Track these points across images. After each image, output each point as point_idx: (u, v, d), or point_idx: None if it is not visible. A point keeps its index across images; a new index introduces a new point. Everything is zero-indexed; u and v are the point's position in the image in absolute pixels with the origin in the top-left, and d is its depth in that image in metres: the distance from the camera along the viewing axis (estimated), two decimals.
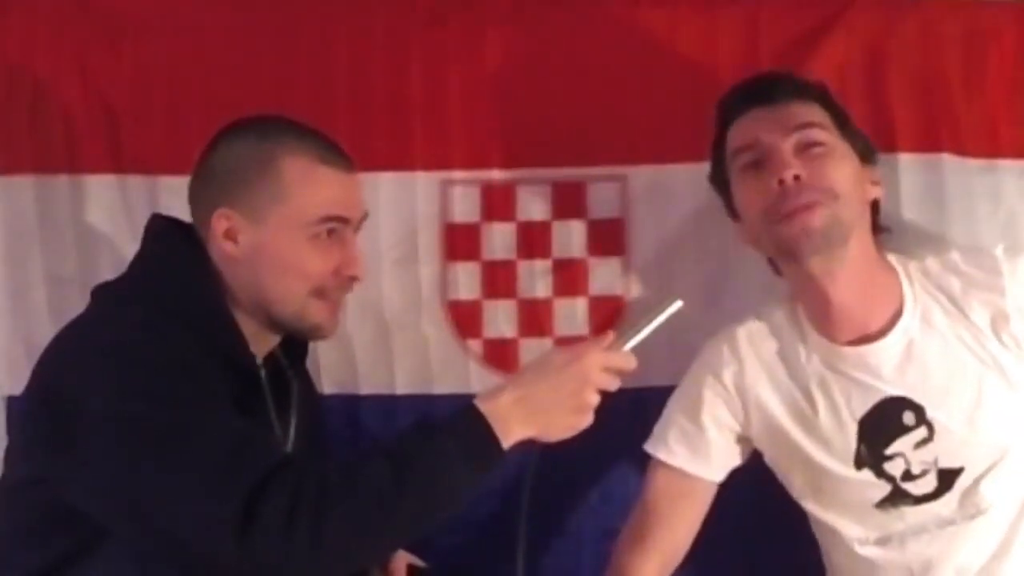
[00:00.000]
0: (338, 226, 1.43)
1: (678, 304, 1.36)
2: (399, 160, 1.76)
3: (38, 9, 1.76)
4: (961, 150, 1.73)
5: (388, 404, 1.77)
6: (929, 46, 1.74)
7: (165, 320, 1.33)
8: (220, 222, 1.40)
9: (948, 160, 1.73)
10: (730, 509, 1.63)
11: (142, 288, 1.40)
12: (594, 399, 1.30)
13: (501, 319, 1.77)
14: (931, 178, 1.73)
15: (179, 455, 1.22)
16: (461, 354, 1.77)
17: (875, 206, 1.56)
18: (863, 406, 1.50)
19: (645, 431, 1.66)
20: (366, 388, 1.78)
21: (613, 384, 1.32)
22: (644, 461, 1.64)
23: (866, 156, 1.54)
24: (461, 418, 1.27)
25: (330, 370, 1.76)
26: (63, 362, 1.33)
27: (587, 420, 1.31)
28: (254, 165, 1.41)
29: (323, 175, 1.42)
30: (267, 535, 1.18)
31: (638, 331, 1.35)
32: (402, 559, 1.51)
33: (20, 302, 1.75)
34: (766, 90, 1.52)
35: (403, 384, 1.77)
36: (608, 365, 1.31)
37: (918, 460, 1.48)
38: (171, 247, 1.43)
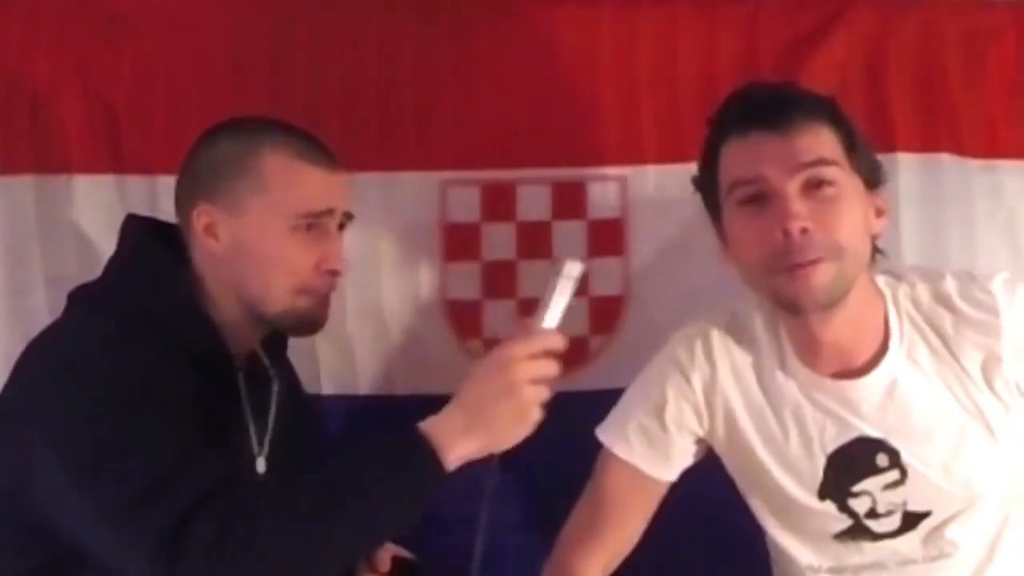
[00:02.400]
0: (321, 220, 1.43)
1: (580, 267, 1.29)
2: (398, 161, 1.76)
3: (38, 9, 1.76)
4: (961, 150, 1.74)
5: (388, 404, 1.77)
6: (929, 46, 1.75)
7: (131, 328, 1.33)
8: (200, 218, 1.41)
9: (948, 160, 1.74)
10: (695, 506, 1.61)
11: (114, 293, 1.40)
12: (531, 391, 1.25)
13: (501, 319, 1.77)
14: (931, 178, 1.73)
15: (115, 475, 1.22)
16: (461, 354, 1.77)
17: (875, 236, 1.44)
18: (835, 441, 1.42)
19: None
20: (366, 388, 1.78)
21: (548, 369, 1.26)
22: (595, 447, 1.58)
23: (872, 181, 1.41)
24: (401, 438, 1.26)
25: (330, 370, 1.76)
26: (30, 372, 1.34)
27: (533, 416, 1.26)
28: (235, 160, 1.41)
29: (304, 170, 1.42)
30: (195, 557, 1.18)
31: (546, 306, 1.29)
32: (387, 550, 1.51)
33: (20, 302, 1.75)
34: (771, 111, 1.36)
35: (403, 384, 1.78)
36: (530, 351, 1.26)
37: (885, 500, 1.42)
38: (144, 249, 1.43)
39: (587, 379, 1.76)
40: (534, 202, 1.77)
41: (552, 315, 1.29)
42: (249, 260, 1.41)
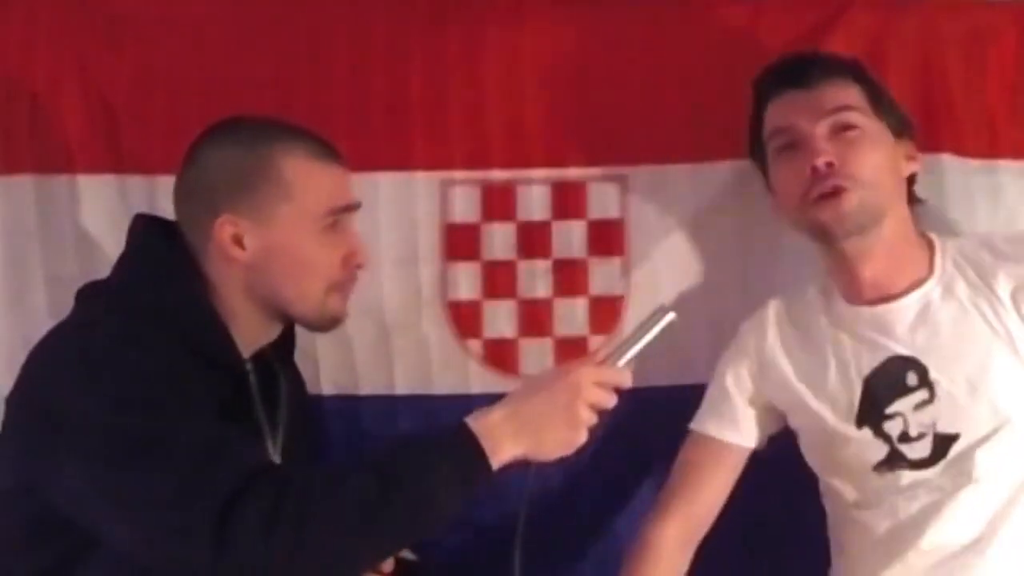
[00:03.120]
0: (341, 217, 1.44)
1: (671, 316, 1.35)
2: (399, 160, 1.76)
3: (38, 9, 1.76)
4: (961, 150, 1.74)
5: (388, 404, 1.77)
6: (929, 46, 1.75)
7: (147, 325, 1.33)
8: (225, 228, 1.40)
9: (948, 160, 1.73)
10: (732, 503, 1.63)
11: (125, 292, 1.41)
12: (587, 414, 1.29)
13: (501, 319, 1.77)
14: (931, 178, 1.73)
15: (154, 463, 1.22)
16: (461, 354, 1.77)
17: (911, 179, 1.58)
18: (870, 364, 1.53)
19: (645, 430, 1.66)
20: (366, 388, 1.78)
21: (609, 401, 1.31)
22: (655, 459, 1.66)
23: (901, 131, 1.57)
24: (451, 435, 1.27)
25: (330, 370, 1.76)
26: (45, 370, 1.34)
27: (581, 437, 1.29)
28: (251, 169, 1.41)
29: (321, 170, 1.43)
30: (245, 541, 1.17)
31: (631, 344, 1.34)
32: None
33: (20, 302, 1.75)
34: (800, 71, 1.55)
35: (403, 384, 1.77)
36: (601, 380, 1.30)
37: (916, 422, 1.49)
38: (154, 248, 1.43)
39: None
40: (534, 202, 1.77)
41: (631, 354, 1.34)
42: (281, 266, 1.41)
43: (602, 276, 1.77)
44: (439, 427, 1.30)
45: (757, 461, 1.63)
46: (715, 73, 1.74)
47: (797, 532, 1.66)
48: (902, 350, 1.51)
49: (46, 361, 1.35)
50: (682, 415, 1.68)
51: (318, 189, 1.42)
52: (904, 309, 1.53)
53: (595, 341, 1.77)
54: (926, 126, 1.73)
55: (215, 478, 1.20)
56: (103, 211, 1.75)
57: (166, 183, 1.69)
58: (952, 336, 1.50)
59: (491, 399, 1.69)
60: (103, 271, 1.56)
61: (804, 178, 1.50)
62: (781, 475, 1.63)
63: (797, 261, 1.66)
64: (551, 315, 1.77)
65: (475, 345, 1.77)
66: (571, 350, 1.76)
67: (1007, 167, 1.74)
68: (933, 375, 1.49)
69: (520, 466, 1.29)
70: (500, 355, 1.76)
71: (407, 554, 1.53)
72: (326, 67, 1.77)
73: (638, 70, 1.77)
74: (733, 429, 1.62)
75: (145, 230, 1.46)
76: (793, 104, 1.54)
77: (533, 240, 1.77)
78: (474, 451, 1.25)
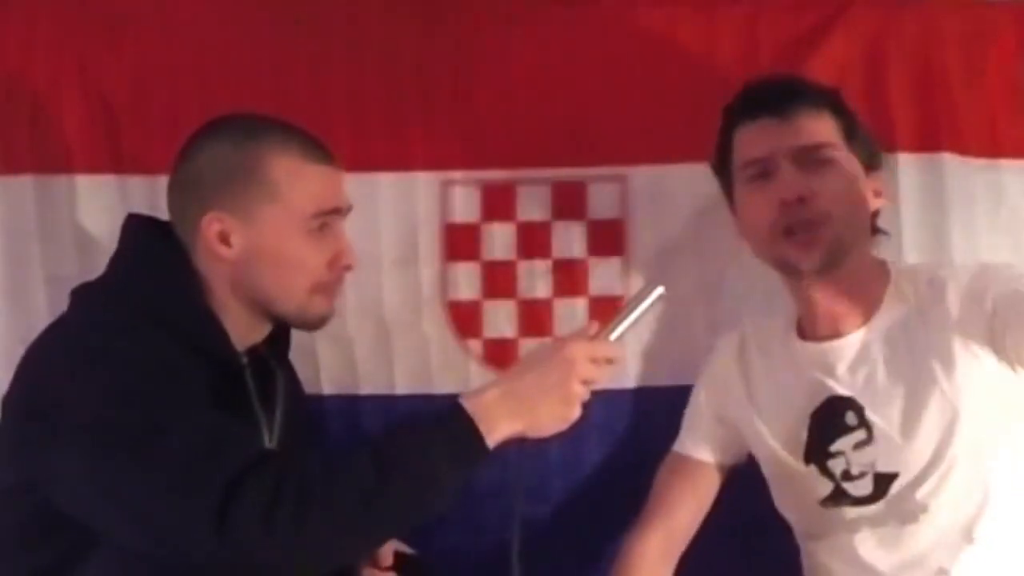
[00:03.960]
0: (329, 219, 1.44)
1: (660, 290, 1.36)
2: (399, 160, 1.76)
3: (38, 9, 1.76)
4: (962, 149, 1.74)
5: (388, 404, 1.77)
6: (929, 46, 1.75)
7: (142, 321, 1.34)
8: (212, 225, 1.41)
9: (948, 160, 1.73)
10: (723, 507, 1.63)
11: (120, 289, 1.41)
12: (580, 390, 1.29)
13: (501, 319, 1.77)
14: (931, 178, 1.73)
15: (154, 454, 1.22)
16: (461, 354, 1.77)
17: (875, 214, 1.57)
18: (814, 402, 1.53)
19: (645, 429, 1.66)
20: (366, 388, 1.77)
21: (601, 375, 1.31)
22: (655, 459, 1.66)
23: (871, 164, 1.55)
24: (446, 415, 1.27)
25: (330, 370, 1.76)
26: (42, 366, 1.34)
27: (575, 412, 1.30)
28: (240, 167, 1.41)
29: (310, 171, 1.43)
30: (247, 528, 1.18)
31: (622, 319, 1.34)
32: (389, 545, 1.51)
33: (20, 302, 1.75)
34: (775, 100, 1.52)
35: (403, 384, 1.77)
36: (593, 354, 1.30)
37: (857, 461, 1.49)
38: (147, 246, 1.44)
39: None
40: (534, 202, 1.77)
41: (622, 328, 1.34)
42: (265, 265, 1.41)
43: (602, 276, 1.77)
44: (436, 408, 1.30)
45: (745, 469, 1.64)
46: (715, 73, 1.74)
47: (777, 551, 1.65)
48: (841, 390, 1.51)
49: (42, 358, 1.36)
50: (680, 416, 1.68)
51: (305, 190, 1.42)
52: (846, 348, 1.52)
53: None
54: (926, 126, 1.74)
55: (214, 466, 1.20)
56: (103, 211, 1.75)
57: (166, 183, 1.70)
58: (887, 377, 1.49)
59: None
60: (103, 271, 1.56)
61: (773, 210, 1.49)
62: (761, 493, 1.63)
63: None
64: (551, 315, 1.77)
65: (475, 345, 1.77)
66: None
67: (1008, 166, 1.74)
68: (869, 415, 1.49)
69: (515, 443, 1.29)
70: (500, 355, 1.76)
71: (406, 549, 1.53)
72: (326, 67, 1.77)
73: (638, 70, 1.77)
74: (704, 447, 1.63)
75: (137, 229, 1.47)
76: (766, 133, 1.51)
77: (533, 240, 1.77)
78: (470, 430, 1.25)
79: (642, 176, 1.76)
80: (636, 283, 1.76)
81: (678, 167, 1.75)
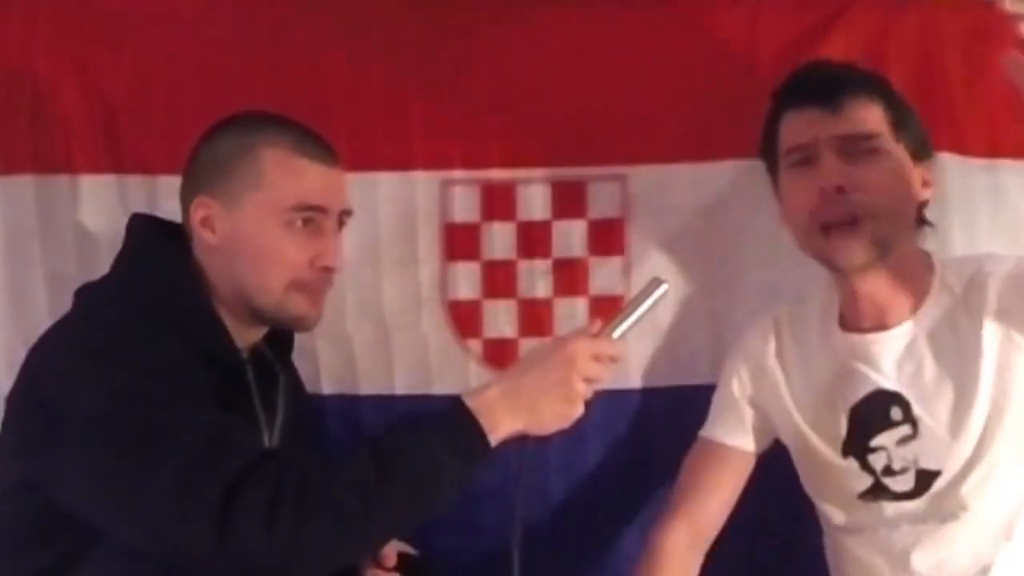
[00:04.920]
0: (315, 216, 1.43)
1: (664, 287, 1.36)
2: (399, 160, 1.77)
3: (38, 9, 1.77)
4: (962, 150, 1.73)
5: (388, 404, 1.77)
6: (929, 46, 1.74)
7: (145, 320, 1.34)
8: (198, 210, 1.42)
9: (949, 160, 1.73)
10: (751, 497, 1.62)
11: (123, 288, 1.41)
12: (582, 387, 1.29)
13: (501, 319, 1.77)
14: (932, 178, 1.73)
15: (157, 453, 1.22)
16: (461, 354, 1.77)
17: (922, 204, 1.55)
18: (856, 395, 1.51)
19: (645, 429, 1.66)
20: (366, 388, 1.78)
21: (603, 373, 1.31)
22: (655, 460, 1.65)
23: (920, 154, 1.53)
24: (447, 413, 1.27)
25: (330, 370, 1.76)
26: (46, 365, 1.34)
27: (577, 410, 1.29)
28: (234, 154, 1.42)
29: (300, 164, 1.42)
30: (247, 528, 1.18)
31: (625, 317, 1.34)
32: (392, 546, 1.51)
33: (20, 302, 1.76)
34: (826, 88, 1.50)
35: (403, 384, 1.77)
36: (595, 352, 1.30)
37: (899, 456, 1.48)
38: (151, 246, 1.44)
39: None
40: (534, 202, 1.77)
41: (626, 325, 1.33)
42: (244, 254, 1.41)
43: (602, 276, 1.77)
44: (436, 407, 1.30)
45: (762, 469, 1.63)
46: (715, 73, 1.74)
47: (801, 542, 1.65)
48: (887, 384, 1.50)
49: (45, 357, 1.36)
50: (682, 416, 1.68)
51: (289, 182, 1.41)
52: (892, 341, 1.51)
53: None
54: (926, 126, 1.73)
55: (215, 466, 1.20)
56: (103, 211, 1.76)
57: (166, 183, 1.71)
58: (936, 373, 1.48)
59: None
60: (103, 270, 1.56)
61: (813, 199, 1.47)
62: (786, 484, 1.62)
63: (797, 262, 1.66)
64: (551, 315, 1.77)
65: (475, 345, 1.77)
66: None
67: (1009, 166, 1.73)
68: (916, 411, 1.48)
69: (516, 442, 1.29)
70: (500, 355, 1.76)
71: (409, 549, 1.53)
72: (326, 67, 1.77)
73: (638, 70, 1.76)
74: (737, 433, 1.61)
75: (142, 229, 1.47)
76: (814, 122, 1.49)
77: (533, 240, 1.77)
78: (472, 428, 1.25)
79: (642, 176, 1.76)
80: (636, 283, 1.76)
81: (678, 167, 1.75)
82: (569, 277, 1.77)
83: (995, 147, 1.74)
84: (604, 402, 1.63)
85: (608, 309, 1.76)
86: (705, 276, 1.76)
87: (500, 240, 1.77)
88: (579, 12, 1.77)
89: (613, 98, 1.76)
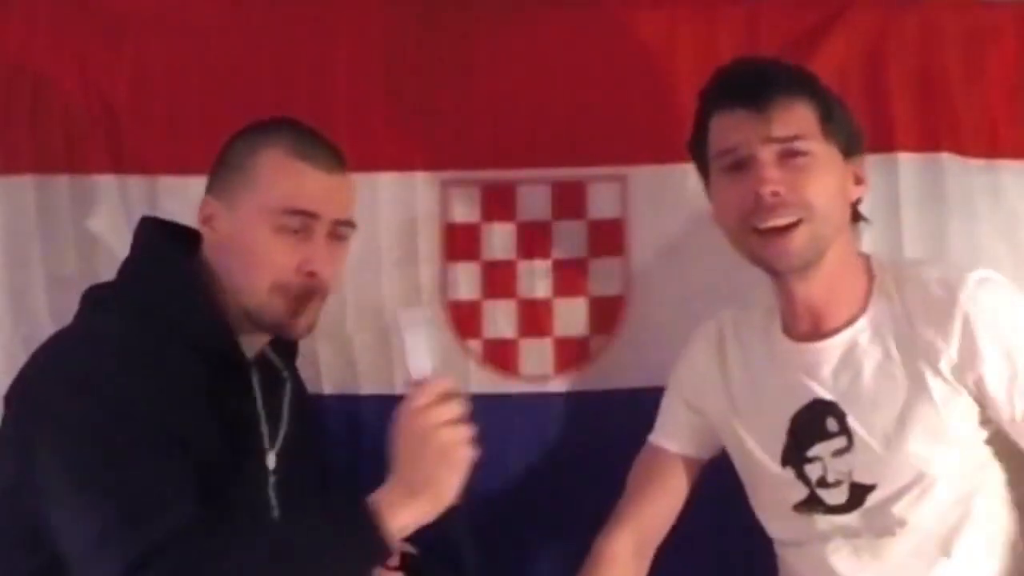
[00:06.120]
0: (307, 222, 1.42)
1: (418, 312, 1.40)
2: (399, 160, 1.77)
3: (38, 9, 1.76)
4: (961, 150, 1.73)
5: (388, 404, 1.73)
6: (929, 46, 1.74)
7: (151, 328, 1.35)
8: (204, 209, 1.43)
9: (948, 160, 1.73)
10: (700, 504, 1.62)
11: (130, 293, 1.42)
12: (451, 434, 1.27)
13: (501, 319, 1.77)
14: (931, 178, 1.73)
15: (96, 492, 1.26)
16: (461, 354, 1.77)
17: (856, 203, 1.53)
18: (796, 404, 1.49)
19: (645, 431, 1.66)
20: (366, 388, 1.77)
21: (455, 410, 1.29)
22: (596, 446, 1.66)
23: (851, 150, 1.50)
24: (346, 511, 1.28)
25: (330, 370, 1.76)
26: (44, 371, 1.36)
27: (462, 457, 1.28)
28: (238, 155, 1.43)
29: (297, 168, 1.42)
30: None
31: (408, 357, 1.33)
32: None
33: (20, 302, 1.76)
34: (752, 89, 1.47)
35: (403, 384, 1.75)
36: (427, 401, 1.28)
37: (834, 468, 1.46)
38: (158, 250, 1.44)
39: (588, 379, 1.77)
40: (534, 202, 1.77)
41: (416, 364, 1.32)
42: (236, 253, 1.42)
43: (602, 276, 1.77)
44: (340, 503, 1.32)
45: (718, 469, 1.62)
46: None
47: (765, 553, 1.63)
48: (824, 394, 1.48)
49: (46, 362, 1.36)
50: None
51: (281, 185, 1.41)
52: (831, 350, 1.48)
53: (595, 341, 1.77)
54: (926, 126, 1.74)
55: (132, 534, 1.23)
56: (103, 211, 1.75)
57: (166, 183, 1.71)
58: (873, 385, 1.46)
59: (491, 399, 1.71)
60: (103, 271, 1.57)
61: (747, 203, 1.45)
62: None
63: None
64: (551, 315, 1.77)
65: (475, 345, 1.77)
66: (571, 350, 1.77)
67: (1008, 167, 1.73)
68: (851, 423, 1.46)
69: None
70: (500, 355, 1.77)
71: (411, 549, 1.53)
72: (326, 68, 1.77)
73: (638, 70, 1.76)
74: (681, 439, 1.61)
75: (149, 233, 1.47)
76: (741, 125, 1.46)
77: (533, 240, 1.77)
78: (368, 527, 1.26)
79: (642, 176, 1.77)
80: (636, 283, 1.77)
81: (678, 167, 1.74)
82: (569, 277, 1.77)
83: (994, 148, 1.74)
84: (599, 402, 1.64)
85: (608, 309, 1.78)
86: (704, 276, 1.76)
87: (500, 240, 1.77)
88: (579, 12, 1.77)
89: (613, 98, 1.76)
